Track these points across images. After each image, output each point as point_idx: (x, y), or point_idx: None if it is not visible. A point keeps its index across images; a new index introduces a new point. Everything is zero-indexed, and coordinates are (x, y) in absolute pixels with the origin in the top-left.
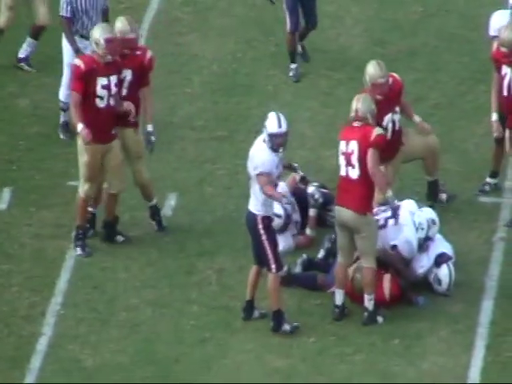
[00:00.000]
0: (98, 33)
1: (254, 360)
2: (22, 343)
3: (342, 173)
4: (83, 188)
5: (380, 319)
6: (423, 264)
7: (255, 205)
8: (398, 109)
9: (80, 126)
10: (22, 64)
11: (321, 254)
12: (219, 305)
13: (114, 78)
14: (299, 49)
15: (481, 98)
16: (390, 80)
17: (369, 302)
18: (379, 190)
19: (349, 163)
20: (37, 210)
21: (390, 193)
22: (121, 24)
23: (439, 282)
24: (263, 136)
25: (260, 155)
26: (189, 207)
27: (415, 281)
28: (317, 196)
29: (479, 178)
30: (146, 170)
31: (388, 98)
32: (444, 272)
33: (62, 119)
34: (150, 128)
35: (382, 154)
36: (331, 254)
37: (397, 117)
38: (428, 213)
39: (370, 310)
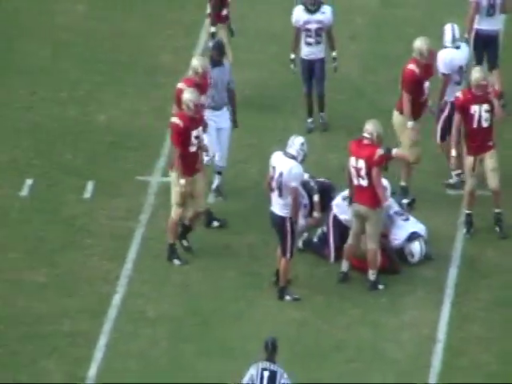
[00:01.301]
0: (189, 97)
1: (276, 312)
2: (101, 299)
3: (355, 182)
4: (176, 212)
5: (381, 286)
6: (398, 238)
7: (283, 209)
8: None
9: (182, 181)
10: None
11: (319, 232)
12: (249, 271)
13: (200, 129)
14: (320, 119)
15: None
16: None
17: (372, 275)
18: (380, 198)
19: (359, 175)
20: (112, 199)
21: (388, 202)
22: (190, 94)
23: (412, 255)
24: (290, 154)
25: (296, 171)
26: (227, 198)
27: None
28: (312, 184)
29: (444, 176)
30: None
31: (427, 69)
32: (416, 248)
33: (216, 182)
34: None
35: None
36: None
37: (426, 85)
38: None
39: (372, 281)
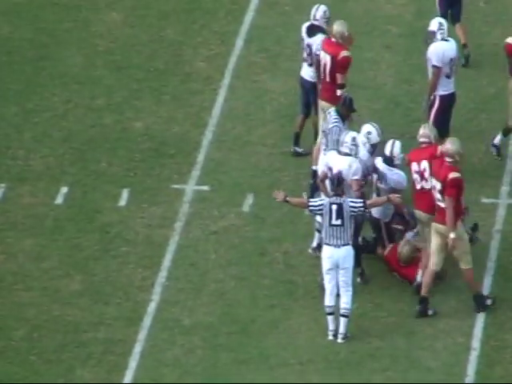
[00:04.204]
0: (457, 148)
1: (311, 321)
2: (136, 307)
3: (418, 187)
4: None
5: (489, 301)
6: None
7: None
8: None
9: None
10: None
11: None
12: (285, 279)
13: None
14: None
15: (483, 123)
16: None
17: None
18: None
19: (422, 178)
20: (148, 206)
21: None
22: (455, 145)
23: None
24: (344, 152)
25: (356, 166)
26: (262, 204)
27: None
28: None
29: (481, 183)
30: None
31: None
32: None
33: (315, 241)
34: None
35: None
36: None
37: None
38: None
39: (480, 295)
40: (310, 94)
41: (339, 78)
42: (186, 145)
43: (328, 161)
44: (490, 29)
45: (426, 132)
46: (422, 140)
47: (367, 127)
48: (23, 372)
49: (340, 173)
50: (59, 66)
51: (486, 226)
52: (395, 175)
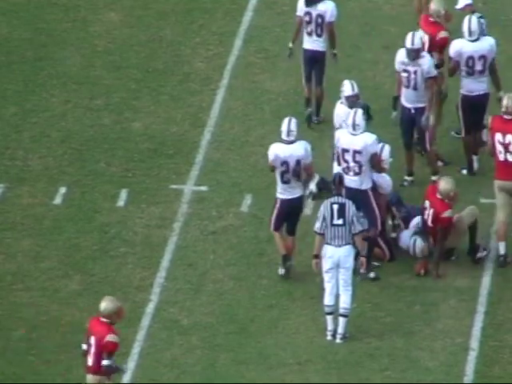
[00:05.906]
0: None
1: (309, 321)
2: (135, 307)
3: (501, 158)
4: None
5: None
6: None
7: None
8: None
9: None
10: None
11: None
12: (283, 279)
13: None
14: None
15: None
16: None
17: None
18: None
19: (507, 151)
20: (147, 207)
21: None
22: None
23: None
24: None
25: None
26: (260, 205)
27: None
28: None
29: (479, 184)
30: None
31: None
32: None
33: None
34: None
35: None
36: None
37: None
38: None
39: (503, 254)
40: (316, 64)
41: (435, 58)
42: (184, 145)
43: (278, 152)
44: (488, 29)
45: (510, 104)
46: (504, 110)
47: (344, 81)
48: (22, 372)
49: (299, 161)
50: (58, 66)
51: (484, 226)
52: (380, 178)
